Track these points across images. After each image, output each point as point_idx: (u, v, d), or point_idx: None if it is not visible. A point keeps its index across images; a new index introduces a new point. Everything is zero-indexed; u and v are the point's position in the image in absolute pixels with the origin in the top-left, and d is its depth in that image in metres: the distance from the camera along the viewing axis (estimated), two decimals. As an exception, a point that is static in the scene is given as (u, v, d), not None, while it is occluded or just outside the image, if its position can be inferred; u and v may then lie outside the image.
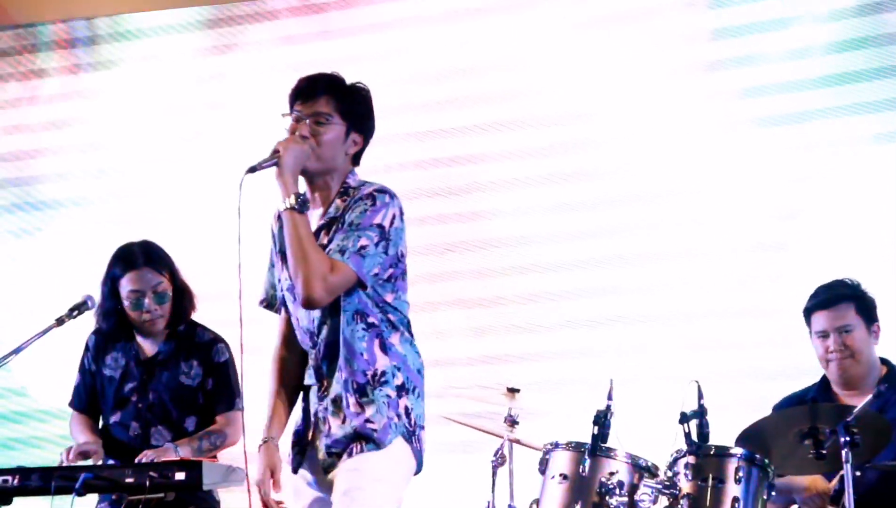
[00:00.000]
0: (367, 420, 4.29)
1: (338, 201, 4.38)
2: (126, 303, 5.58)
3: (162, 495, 5.07)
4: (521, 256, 6.92)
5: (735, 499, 4.87)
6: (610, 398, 5.00)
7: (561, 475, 4.79)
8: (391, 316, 4.38)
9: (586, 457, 4.95)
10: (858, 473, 5.10)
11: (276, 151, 4.25)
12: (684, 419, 4.93)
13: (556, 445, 4.98)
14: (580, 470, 4.95)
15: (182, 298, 5.65)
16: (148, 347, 5.68)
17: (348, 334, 4.31)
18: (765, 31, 6.64)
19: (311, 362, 4.39)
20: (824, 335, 5.52)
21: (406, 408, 4.36)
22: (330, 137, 4.33)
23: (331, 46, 7.31)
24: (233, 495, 5.45)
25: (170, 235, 6.39)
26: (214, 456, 5.48)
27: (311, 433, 4.38)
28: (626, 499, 4.89)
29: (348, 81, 4.44)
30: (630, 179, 6.82)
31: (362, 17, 7.32)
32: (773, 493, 5.03)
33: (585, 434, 4.95)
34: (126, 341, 5.70)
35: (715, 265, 6.63)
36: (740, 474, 4.89)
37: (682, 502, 4.91)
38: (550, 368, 6.69)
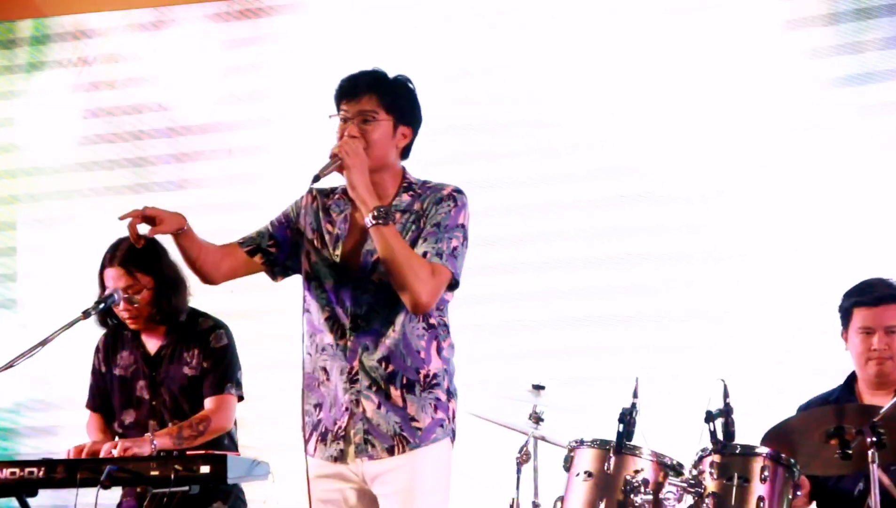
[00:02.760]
0: (412, 419, 4.33)
1: (404, 196, 4.40)
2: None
3: (187, 488, 5.07)
4: (548, 251, 6.91)
5: (760, 498, 4.87)
6: (636, 395, 4.99)
7: (586, 472, 4.79)
8: (445, 318, 4.44)
9: (611, 455, 4.96)
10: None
11: (334, 156, 4.25)
12: (710, 417, 4.92)
13: (581, 442, 4.98)
14: (605, 468, 4.95)
15: (168, 296, 5.56)
16: (151, 343, 5.66)
17: (409, 330, 4.34)
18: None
19: (335, 341, 4.37)
20: (869, 331, 5.49)
21: (454, 412, 4.41)
22: (378, 134, 4.34)
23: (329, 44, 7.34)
24: (255, 488, 5.47)
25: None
26: (202, 447, 5.45)
27: (337, 416, 4.36)
28: (650, 497, 4.89)
29: (390, 74, 4.45)
30: (661, 178, 6.79)
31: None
32: (799, 493, 5.02)
33: (611, 432, 4.95)
34: (133, 338, 5.68)
35: (742, 265, 6.61)
36: (766, 473, 4.89)
37: (706, 500, 4.91)
38: (576, 365, 6.68)
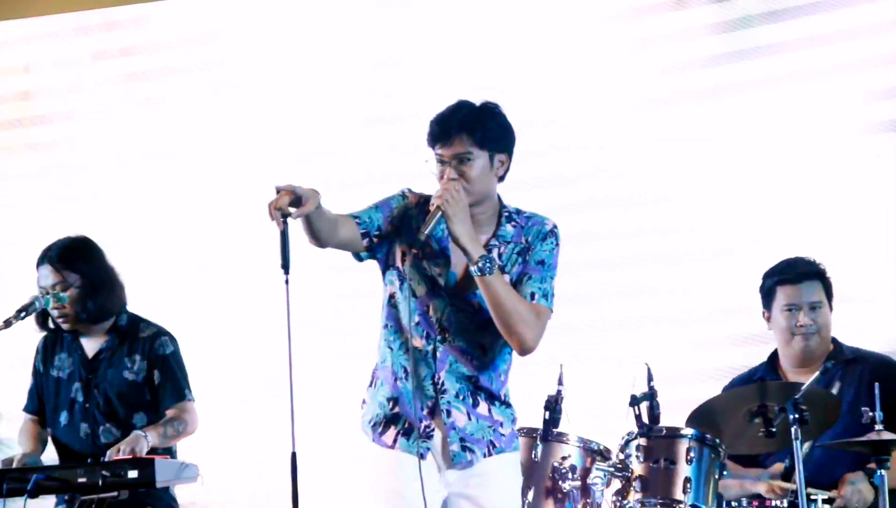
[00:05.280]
0: (500, 425, 4.44)
1: (507, 226, 4.45)
2: None
3: (115, 494, 5.05)
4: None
5: (687, 480, 4.92)
6: (560, 383, 5.04)
7: (514, 461, 4.80)
8: None
9: (538, 443, 5.00)
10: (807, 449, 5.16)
11: (437, 208, 4.27)
12: (635, 401, 4.97)
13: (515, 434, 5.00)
14: (532, 456, 5.00)
15: (94, 296, 5.55)
16: (90, 345, 5.64)
17: (495, 352, 4.44)
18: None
19: (424, 346, 4.41)
20: (793, 308, 5.54)
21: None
22: (476, 172, 4.36)
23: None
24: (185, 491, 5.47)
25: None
26: (169, 451, 5.45)
27: (422, 417, 4.39)
28: (578, 483, 4.94)
29: (477, 103, 4.46)
30: (609, 159, 6.78)
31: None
32: (726, 473, 5.08)
33: (537, 420, 4.98)
34: (72, 341, 5.66)
35: (660, 242, 6.58)
36: (691, 455, 4.94)
37: (634, 484, 4.96)
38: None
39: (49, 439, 5.73)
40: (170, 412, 5.52)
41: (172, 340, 5.65)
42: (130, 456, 5.14)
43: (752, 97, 6.51)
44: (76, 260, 5.55)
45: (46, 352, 5.71)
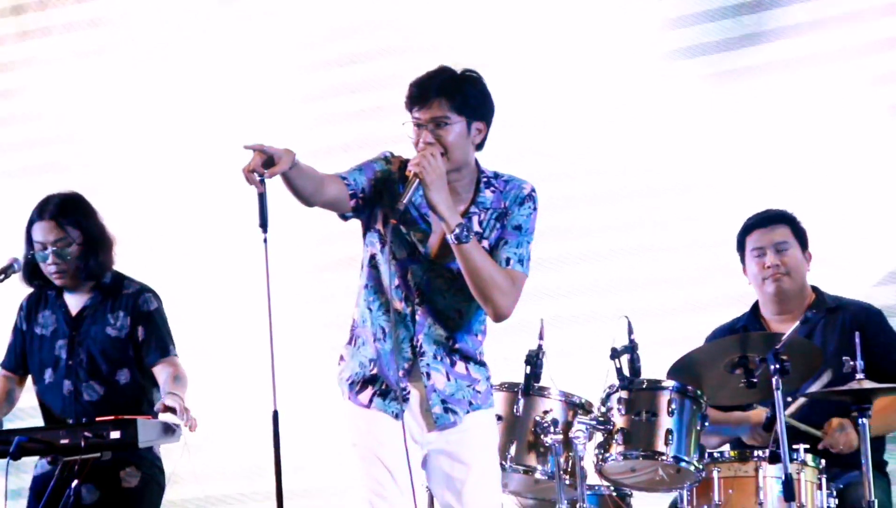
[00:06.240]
0: (476, 387, 4.47)
1: (486, 192, 4.45)
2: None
3: (98, 455, 5.05)
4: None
5: (668, 432, 4.92)
6: (541, 337, 5.03)
7: (495, 416, 4.80)
8: None
9: (520, 397, 5.00)
10: (790, 399, 5.17)
11: (414, 176, 4.27)
12: (615, 354, 4.96)
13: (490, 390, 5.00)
14: (514, 410, 5.00)
15: (95, 252, 5.54)
16: (74, 303, 5.62)
17: (471, 315, 4.46)
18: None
19: (403, 309, 4.42)
20: (761, 252, 5.55)
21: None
22: (453, 137, 4.36)
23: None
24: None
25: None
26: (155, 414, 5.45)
27: (398, 379, 4.40)
28: (560, 437, 4.93)
29: (458, 70, 4.45)
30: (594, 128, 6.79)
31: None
32: (707, 424, 5.09)
33: (518, 374, 4.99)
34: (56, 298, 5.65)
35: (644, 204, 6.62)
36: (673, 406, 4.95)
37: (616, 437, 4.97)
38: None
39: (18, 398, 5.74)
40: (160, 369, 5.50)
41: (156, 296, 5.64)
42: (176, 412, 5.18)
43: (755, 82, 6.55)
44: (77, 215, 5.54)
45: (30, 310, 5.69)
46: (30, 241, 5.53)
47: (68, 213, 5.52)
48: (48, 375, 5.61)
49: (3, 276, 5.40)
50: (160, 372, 5.51)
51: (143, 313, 5.58)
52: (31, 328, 5.67)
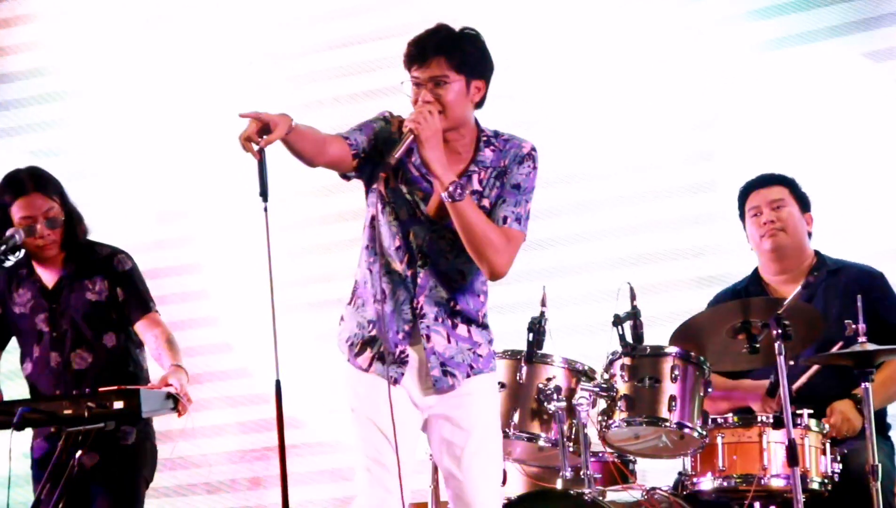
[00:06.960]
0: (478, 350, 4.44)
1: (486, 151, 4.42)
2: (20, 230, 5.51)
3: (102, 425, 5.05)
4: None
5: (672, 398, 4.93)
6: (543, 304, 5.03)
7: (498, 383, 4.80)
8: None
9: (523, 364, 5.00)
10: (792, 363, 5.16)
11: (409, 132, 4.25)
12: (618, 321, 4.97)
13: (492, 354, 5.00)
14: (517, 378, 5.00)
15: (73, 222, 5.55)
16: (48, 276, 5.60)
17: (473, 275, 4.43)
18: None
19: (404, 270, 4.40)
20: (757, 211, 5.54)
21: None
22: (452, 96, 4.33)
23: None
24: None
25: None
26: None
27: (398, 341, 4.39)
28: (564, 404, 4.94)
29: (456, 27, 4.43)
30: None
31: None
32: (710, 390, 5.09)
33: (521, 342, 4.99)
34: (28, 275, 5.63)
35: (646, 178, 6.60)
36: (676, 372, 4.95)
37: (619, 403, 4.97)
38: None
39: None
40: (144, 326, 5.50)
41: (129, 257, 5.64)
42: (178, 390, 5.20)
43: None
44: (54, 184, 5.56)
45: (4, 291, 5.66)
46: (7, 222, 5.49)
47: (48, 183, 5.53)
48: (36, 350, 5.59)
49: (4, 247, 5.38)
50: (144, 330, 5.51)
51: (119, 274, 5.57)
52: (9, 308, 5.65)
